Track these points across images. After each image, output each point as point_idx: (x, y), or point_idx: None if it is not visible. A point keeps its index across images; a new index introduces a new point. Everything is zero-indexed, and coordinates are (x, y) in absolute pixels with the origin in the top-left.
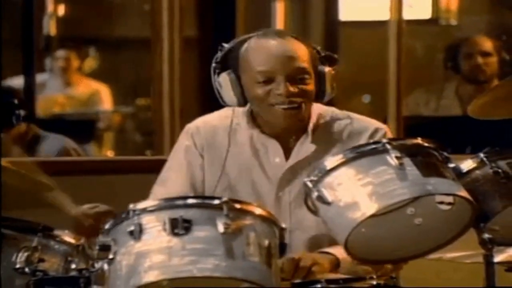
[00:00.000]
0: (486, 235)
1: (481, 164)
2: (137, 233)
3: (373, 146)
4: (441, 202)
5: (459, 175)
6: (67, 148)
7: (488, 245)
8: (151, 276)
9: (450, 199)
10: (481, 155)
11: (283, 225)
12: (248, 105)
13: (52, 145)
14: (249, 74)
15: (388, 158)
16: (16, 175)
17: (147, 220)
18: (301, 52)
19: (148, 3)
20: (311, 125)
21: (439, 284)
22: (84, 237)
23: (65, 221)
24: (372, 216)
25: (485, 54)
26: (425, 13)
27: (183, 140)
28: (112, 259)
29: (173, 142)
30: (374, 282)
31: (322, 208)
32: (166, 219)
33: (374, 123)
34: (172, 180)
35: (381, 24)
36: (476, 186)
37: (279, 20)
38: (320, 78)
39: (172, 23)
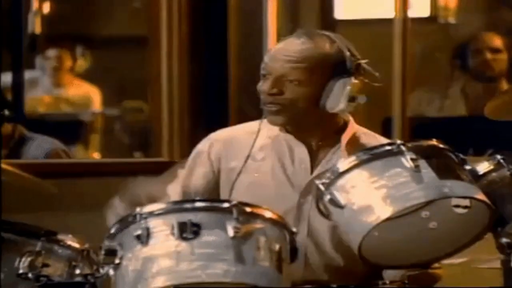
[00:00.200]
0: (504, 240)
1: (498, 166)
2: (144, 237)
3: (388, 148)
4: (457, 206)
5: (475, 177)
6: (56, 150)
7: (506, 249)
8: (159, 282)
9: (466, 202)
10: (498, 157)
11: (294, 229)
12: None
13: (40, 147)
14: None
15: (403, 160)
16: (17, 176)
17: (155, 224)
18: (308, 56)
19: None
20: (344, 136)
21: None
22: None
23: (68, 225)
24: (387, 219)
25: (495, 51)
26: (424, 12)
27: (199, 145)
28: (118, 264)
29: (171, 144)
30: (387, 287)
31: (334, 211)
32: (174, 223)
33: None
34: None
35: (382, 23)
36: (493, 189)
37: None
38: (327, 88)
39: (171, 22)
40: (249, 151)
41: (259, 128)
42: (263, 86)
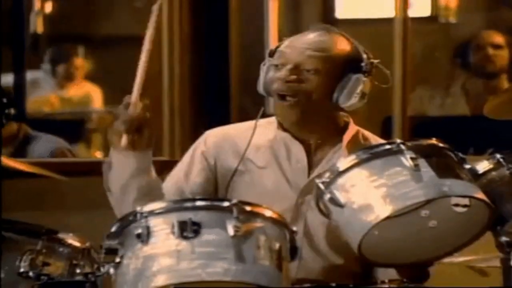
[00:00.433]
0: (504, 238)
1: (497, 165)
2: (144, 236)
3: (387, 146)
4: (457, 205)
5: (475, 176)
6: (61, 148)
7: (506, 248)
8: (159, 281)
9: (466, 201)
10: (498, 156)
11: (294, 228)
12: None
13: (45, 145)
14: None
15: (403, 159)
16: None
17: (155, 223)
18: (326, 47)
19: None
20: (346, 136)
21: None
22: None
23: (69, 224)
24: (386, 218)
25: (496, 47)
26: (424, 11)
27: (196, 143)
28: (119, 263)
29: (172, 142)
30: (386, 286)
31: (334, 210)
32: (175, 222)
33: None
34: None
35: (383, 22)
36: (493, 188)
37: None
38: (343, 82)
39: (172, 21)
40: (245, 150)
41: (255, 126)
42: (279, 74)
